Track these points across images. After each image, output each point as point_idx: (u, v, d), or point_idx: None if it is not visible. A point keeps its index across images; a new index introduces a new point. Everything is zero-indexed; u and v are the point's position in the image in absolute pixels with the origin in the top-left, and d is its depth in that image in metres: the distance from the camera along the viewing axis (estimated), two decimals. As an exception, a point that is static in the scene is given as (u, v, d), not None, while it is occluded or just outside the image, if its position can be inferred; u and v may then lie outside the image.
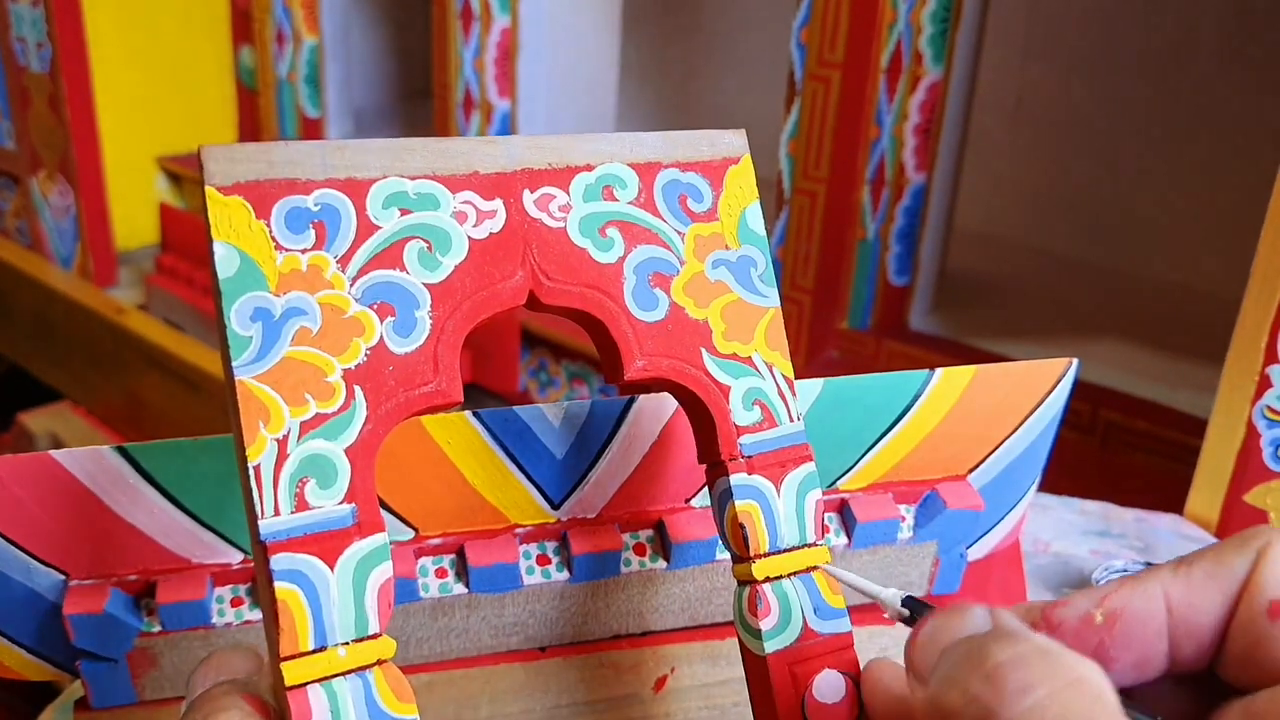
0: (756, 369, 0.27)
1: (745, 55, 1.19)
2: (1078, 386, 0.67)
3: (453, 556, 0.31)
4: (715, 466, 0.27)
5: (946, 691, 0.19)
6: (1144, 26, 0.92)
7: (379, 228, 0.24)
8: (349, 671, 0.21)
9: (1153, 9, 0.91)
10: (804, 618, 0.26)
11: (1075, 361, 0.34)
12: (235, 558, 0.30)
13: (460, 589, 0.30)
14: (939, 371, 0.33)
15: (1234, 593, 0.21)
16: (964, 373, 0.33)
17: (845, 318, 0.83)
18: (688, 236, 0.27)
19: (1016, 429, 0.34)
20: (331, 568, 0.21)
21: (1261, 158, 0.79)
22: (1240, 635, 0.21)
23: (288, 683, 0.21)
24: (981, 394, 0.33)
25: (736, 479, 0.26)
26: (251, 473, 0.21)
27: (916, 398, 0.32)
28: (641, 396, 0.30)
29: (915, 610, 0.24)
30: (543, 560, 0.31)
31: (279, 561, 0.21)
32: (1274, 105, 0.87)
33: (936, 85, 0.75)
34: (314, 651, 0.21)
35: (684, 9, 1.24)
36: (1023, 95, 1.00)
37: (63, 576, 0.29)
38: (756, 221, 0.28)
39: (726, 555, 0.32)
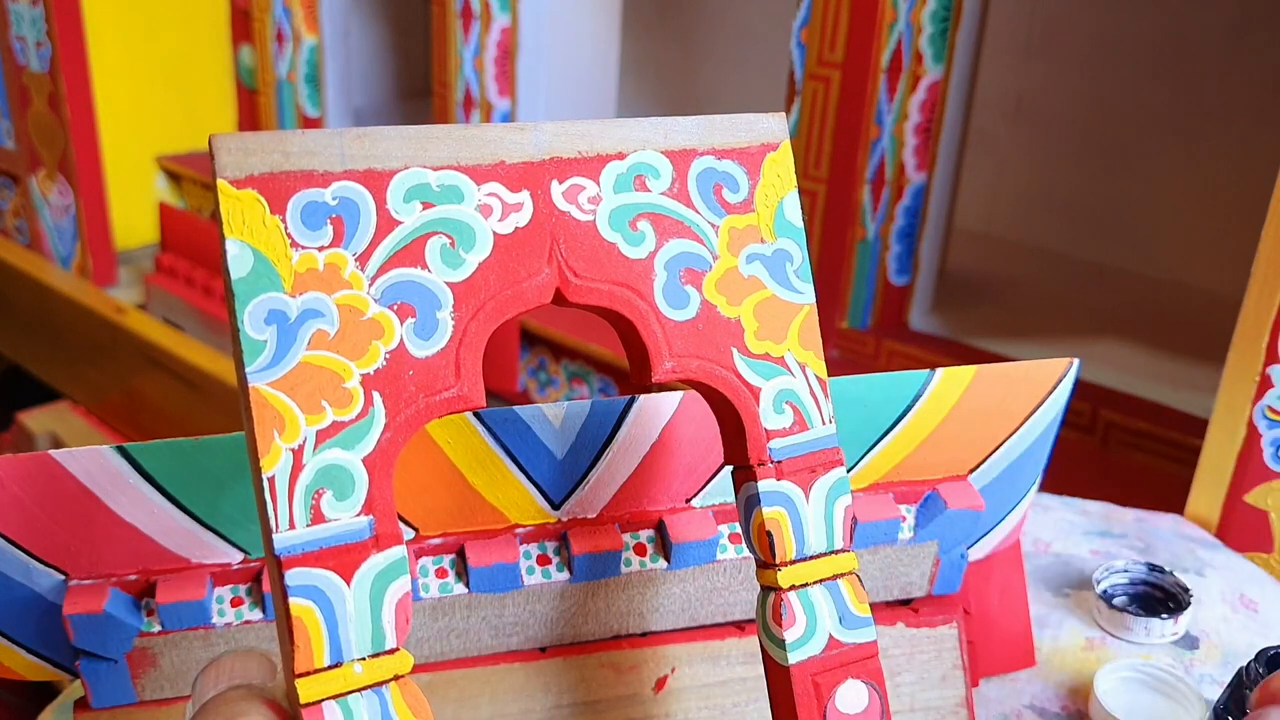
0: (789, 369, 0.26)
1: (745, 55, 1.19)
2: (1078, 386, 0.67)
3: (453, 556, 0.31)
4: (742, 470, 0.26)
5: None
6: (1144, 27, 0.92)
7: (400, 223, 0.22)
8: (365, 688, 0.21)
9: (1153, 9, 0.91)
10: (829, 627, 0.25)
11: (1075, 362, 0.34)
12: (235, 558, 0.30)
13: (460, 589, 0.30)
14: (939, 371, 0.33)
15: None
16: (964, 373, 0.33)
17: (845, 317, 0.83)
18: (722, 229, 0.25)
19: (1017, 429, 0.34)
20: (348, 582, 0.21)
21: (1262, 158, 0.79)
22: None
23: (302, 700, 0.20)
24: (982, 394, 0.33)
25: (764, 485, 0.25)
26: (266, 485, 0.21)
27: (917, 398, 0.32)
28: (642, 396, 0.30)
29: None
30: (543, 560, 0.31)
31: (294, 577, 0.20)
32: (1274, 106, 0.86)
33: (936, 85, 0.75)
34: (329, 668, 0.21)
35: (684, 9, 1.24)
36: (1023, 95, 1.00)
37: (63, 576, 0.28)
38: (794, 212, 0.26)
39: (727, 555, 0.32)
